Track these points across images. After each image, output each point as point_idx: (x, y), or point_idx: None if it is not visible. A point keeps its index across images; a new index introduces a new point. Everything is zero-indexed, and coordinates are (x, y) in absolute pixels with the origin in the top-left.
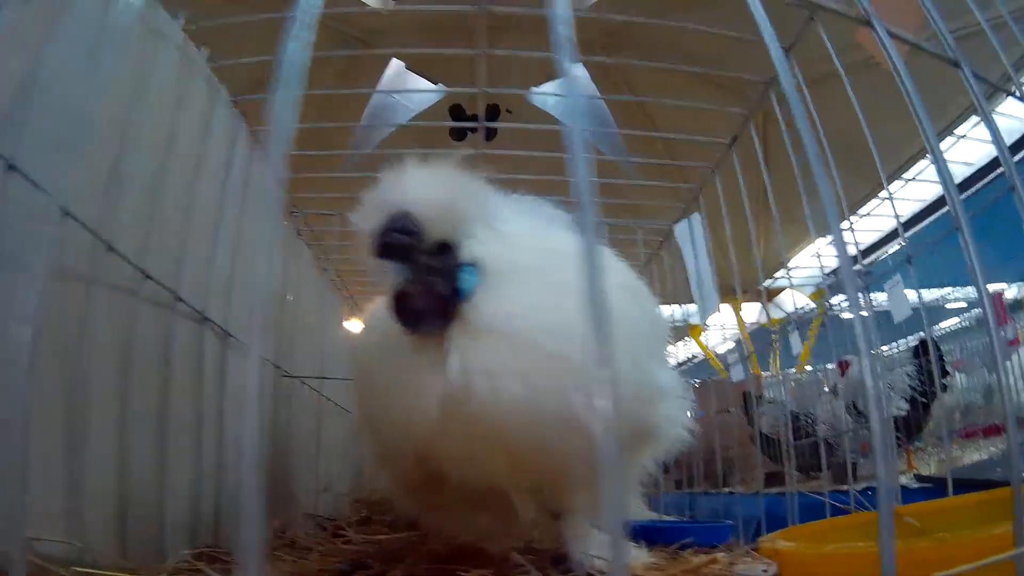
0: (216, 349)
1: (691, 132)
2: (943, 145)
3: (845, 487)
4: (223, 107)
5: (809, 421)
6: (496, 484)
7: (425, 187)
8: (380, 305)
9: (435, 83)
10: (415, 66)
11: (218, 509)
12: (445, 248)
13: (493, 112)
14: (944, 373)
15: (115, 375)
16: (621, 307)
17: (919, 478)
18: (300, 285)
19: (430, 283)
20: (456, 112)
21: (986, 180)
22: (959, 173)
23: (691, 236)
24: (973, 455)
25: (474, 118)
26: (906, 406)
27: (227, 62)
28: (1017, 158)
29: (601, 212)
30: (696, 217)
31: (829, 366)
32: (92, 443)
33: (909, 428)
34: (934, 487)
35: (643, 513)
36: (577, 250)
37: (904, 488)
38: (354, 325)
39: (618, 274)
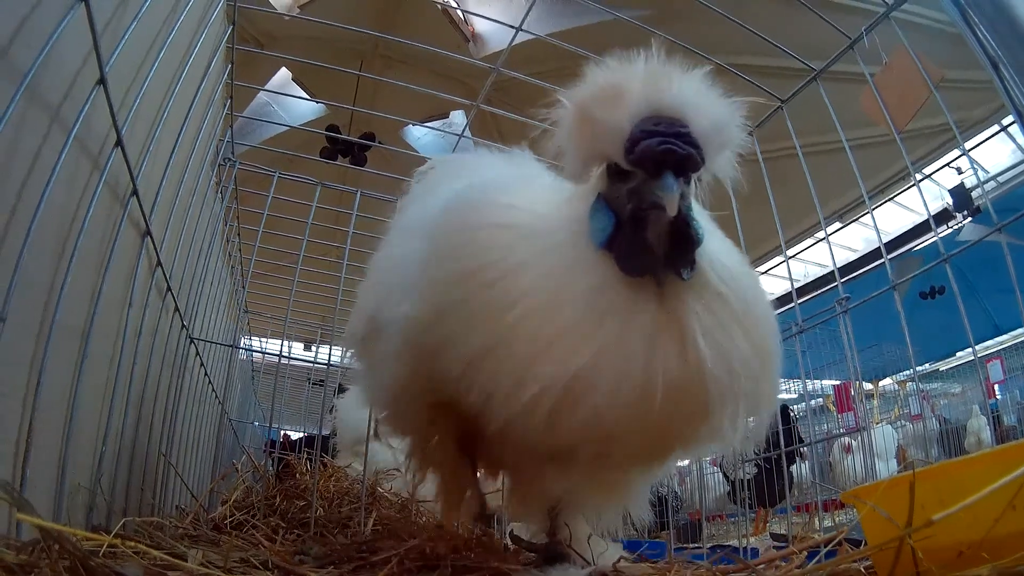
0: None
1: None
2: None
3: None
4: None
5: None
6: (566, 449)
7: (705, 99)
8: (552, 212)
9: (317, 99)
10: (302, 78)
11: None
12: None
13: (368, 139)
14: (799, 439)
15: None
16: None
17: (774, 536)
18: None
19: (684, 215)
20: (332, 132)
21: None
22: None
23: None
24: (825, 522)
25: (348, 144)
26: (754, 470)
27: None
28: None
29: None
30: None
31: None
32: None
33: (761, 492)
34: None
35: None
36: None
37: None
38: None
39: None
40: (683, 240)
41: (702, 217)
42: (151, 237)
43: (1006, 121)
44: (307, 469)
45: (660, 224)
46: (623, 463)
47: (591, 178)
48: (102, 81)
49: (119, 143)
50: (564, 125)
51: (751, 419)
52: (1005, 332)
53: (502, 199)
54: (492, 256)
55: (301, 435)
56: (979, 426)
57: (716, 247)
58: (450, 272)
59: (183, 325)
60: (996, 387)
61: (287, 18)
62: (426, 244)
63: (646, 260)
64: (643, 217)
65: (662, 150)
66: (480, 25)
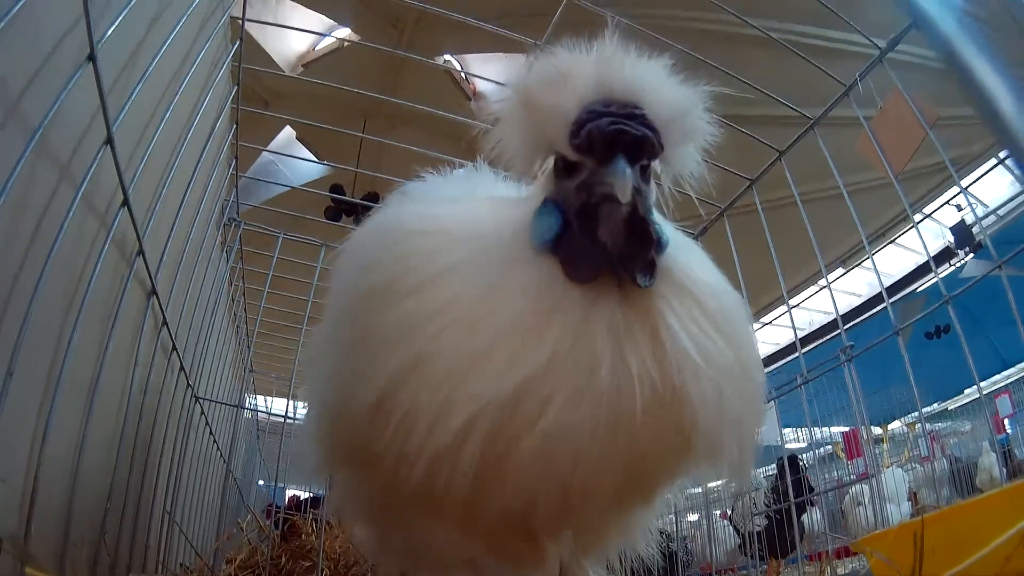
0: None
1: None
2: None
3: None
4: None
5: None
6: (550, 514)
7: (663, 82)
8: (481, 217)
9: (321, 158)
10: (306, 137)
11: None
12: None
13: (373, 199)
14: (809, 488)
15: (56, 321)
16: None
17: None
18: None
19: (642, 212)
20: (335, 191)
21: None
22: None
23: None
24: (838, 570)
25: (352, 205)
26: (764, 521)
27: None
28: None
29: None
30: None
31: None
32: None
33: (772, 543)
34: None
35: None
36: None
37: None
38: None
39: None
40: (640, 240)
41: (669, 228)
42: (156, 296)
43: (1003, 153)
44: (312, 529)
45: (613, 221)
46: (596, 513)
47: (538, 180)
48: (109, 140)
49: (126, 202)
50: (506, 114)
51: (738, 442)
52: (1012, 365)
53: (421, 210)
54: (411, 263)
55: (307, 495)
56: (990, 463)
57: (688, 260)
58: (364, 290)
59: (188, 384)
60: (1006, 421)
61: (291, 77)
62: (344, 274)
63: (597, 261)
64: (592, 214)
65: (612, 130)
66: (482, 85)
